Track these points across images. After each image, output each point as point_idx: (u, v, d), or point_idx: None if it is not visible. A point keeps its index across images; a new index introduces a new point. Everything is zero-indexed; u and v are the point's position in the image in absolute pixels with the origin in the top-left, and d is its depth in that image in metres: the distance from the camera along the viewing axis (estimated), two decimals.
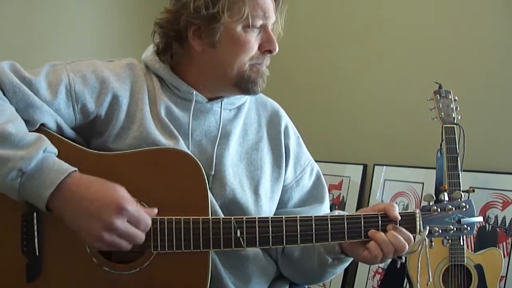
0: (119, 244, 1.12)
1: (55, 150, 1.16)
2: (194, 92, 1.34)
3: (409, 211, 1.27)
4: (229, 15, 1.26)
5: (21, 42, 2.81)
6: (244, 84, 1.32)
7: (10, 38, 2.76)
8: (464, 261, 2.02)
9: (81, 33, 3.06)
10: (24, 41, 2.82)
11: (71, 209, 1.11)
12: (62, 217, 1.12)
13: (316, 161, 1.53)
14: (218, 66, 1.32)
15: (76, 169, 1.14)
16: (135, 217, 1.12)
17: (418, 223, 1.26)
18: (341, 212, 1.31)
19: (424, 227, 1.26)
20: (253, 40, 1.30)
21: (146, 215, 1.14)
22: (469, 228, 1.27)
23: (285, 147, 1.44)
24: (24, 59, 2.68)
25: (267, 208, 1.38)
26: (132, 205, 1.12)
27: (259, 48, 1.32)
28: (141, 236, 1.14)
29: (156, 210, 1.17)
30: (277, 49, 1.33)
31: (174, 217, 1.20)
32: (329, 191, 2.84)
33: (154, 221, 1.19)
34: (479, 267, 2.03)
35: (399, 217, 1.24)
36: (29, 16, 2.84)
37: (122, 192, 1.13)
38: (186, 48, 1.33)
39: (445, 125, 2.08)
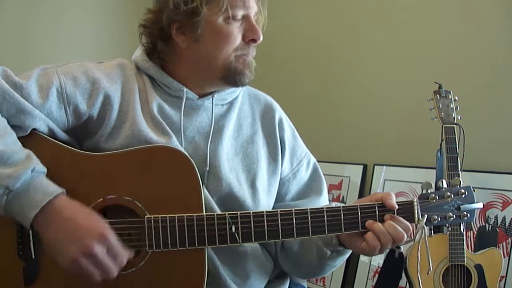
0: (91, 273, 1.11)
1: (44, 170, 1.16)
2: (185, 89, 1.34)
3: (407, 200, 1.25)
4: (208, 8, 1.27)
5: (21, 42, 2.82)
6: (231, 76, 1.32)
7: (10, 38, 2.77)
8: (464, 261, 2.00)
9: (81, 33, 3.07)
10: (24, 41, 2.83)
11: (53, 229, 1.11)
12: (43, 236, 1.13)
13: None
14: (203, 59, 1.32)
15: (64, 190, 1.15)
16: (114, 249, 1.13)
17: (416, 211, 1.24)
18: (338, 204, 1.30)
19: (423, 216, 1.24)
20: (236, 31, 1.30)
21: (124, 252, 1.14)
22: (469, 215, 1.25)
23: (280, 140, 1.44)
24: (24, 60, 2.70)
25: (265, 202, 1.37)
26: (114, 238, 1.13)
27: (243, 39, 1.32)
28: (114, 271, 1.13)
29: (132, 254, 1.17)
30: (261, 38, 1.33)
31: (168, 215, 1.19)
32: (329, 191, 2.86)
33: (148, 219, 1.19)
34: (479, 267, 2.01)
35: (397, 206, 1.23)
36: (29, 16, 2.85)
37: (105, 224, 1.14)
38: (172, 45, 1.34)
39: (445, 125, 2.07)
